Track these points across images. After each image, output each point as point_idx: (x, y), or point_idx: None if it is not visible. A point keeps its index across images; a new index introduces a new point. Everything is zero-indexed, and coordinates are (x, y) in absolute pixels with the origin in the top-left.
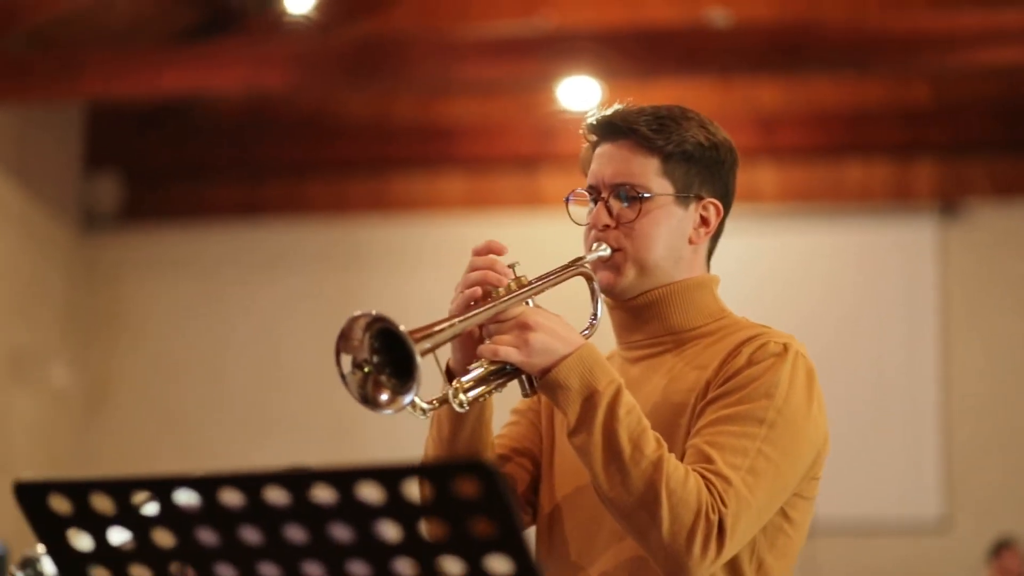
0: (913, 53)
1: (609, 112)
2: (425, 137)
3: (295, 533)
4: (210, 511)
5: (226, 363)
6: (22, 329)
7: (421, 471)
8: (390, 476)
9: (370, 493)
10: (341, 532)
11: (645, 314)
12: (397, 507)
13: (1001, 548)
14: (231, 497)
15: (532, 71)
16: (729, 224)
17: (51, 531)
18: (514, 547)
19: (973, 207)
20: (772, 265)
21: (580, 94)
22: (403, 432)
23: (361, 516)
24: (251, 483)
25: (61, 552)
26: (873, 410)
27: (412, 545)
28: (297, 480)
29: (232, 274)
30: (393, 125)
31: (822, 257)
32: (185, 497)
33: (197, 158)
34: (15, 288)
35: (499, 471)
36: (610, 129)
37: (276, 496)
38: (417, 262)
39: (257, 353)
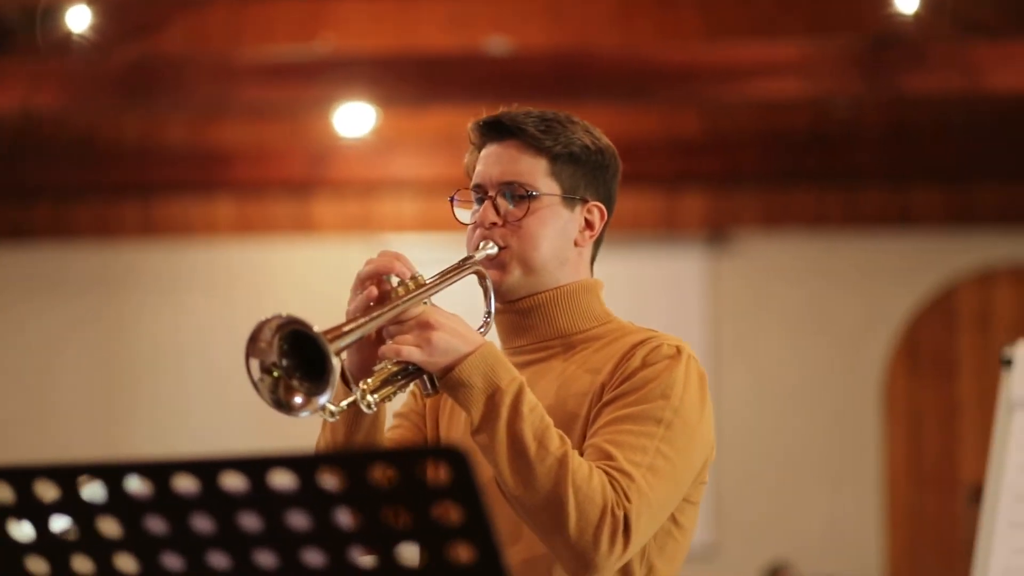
0: (688, 84)
1: (496, 114)
2: (197, 161)
3: (251, 521)
4: (162, 498)
5: None
6: None
7: (389, 456)
8: (355, 462)
9: (330, 481)
10: (298, 520)
11: (532, 317)
12: (358, 494)
13: (775, 573)
14: (185, 484)
15: (307, 96)
16: None
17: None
18: (481, 534)
19: (742, 237)
20: None
21: (355, 120)
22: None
23: (320, 503)
24: (207, 469)
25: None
26: None
27: (372, 533)
28: (255, 466)
29: None
30: (165, 148)
31: None
32: (136, 484)
33: None
34: None
35: (471, 455)
36: (498, 129)
37: (233, 483)
38: (188, 287)
39: (21, 381)
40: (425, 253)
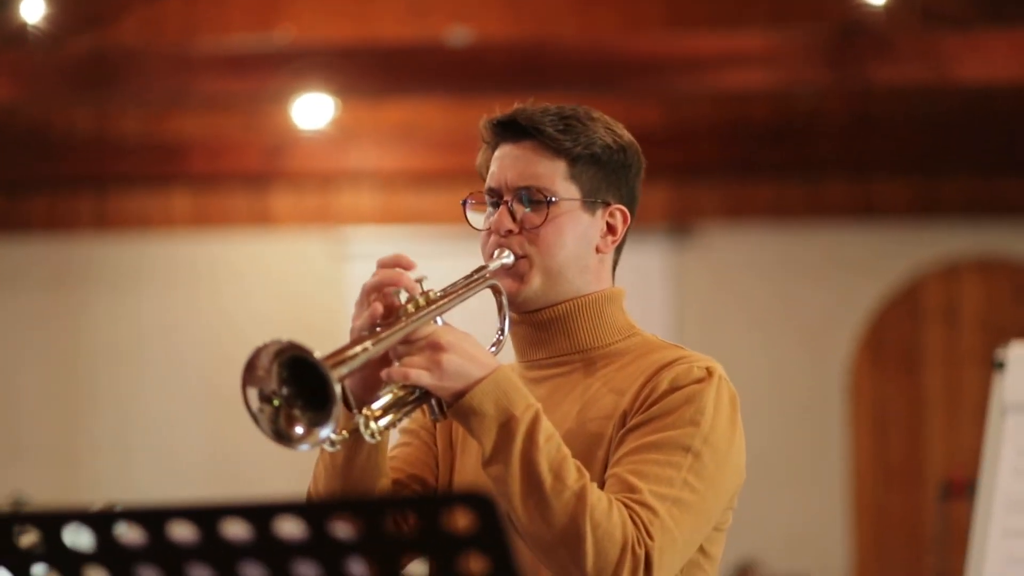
0: (651, 75)
1: (511, 111)
2: (153, 153)
3: (256, 571)
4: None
5: None
6: None
7: (411, 503)
8: (369, 510)
9: (343, 529)
10: (309, 570)
11: (551, 329)
12: (373, 543)
13: (743, 572)
14: (183, 531)
15: (264, 87)
16: (444, 248)
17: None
18: None
19: (704, 229)
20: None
21: (313, 111)
22: (136, 464)
23: (333, 552)
24: (205, 516)
25: None
26: None
27: None
28: (262, 514)
29: None
30: (120, 140)
31: None
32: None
33: None
34: None
35: (497, 501)
36: (513, 129)
37: (235, 531)
38: (145, 280)
39: None
40: (384, 246)
